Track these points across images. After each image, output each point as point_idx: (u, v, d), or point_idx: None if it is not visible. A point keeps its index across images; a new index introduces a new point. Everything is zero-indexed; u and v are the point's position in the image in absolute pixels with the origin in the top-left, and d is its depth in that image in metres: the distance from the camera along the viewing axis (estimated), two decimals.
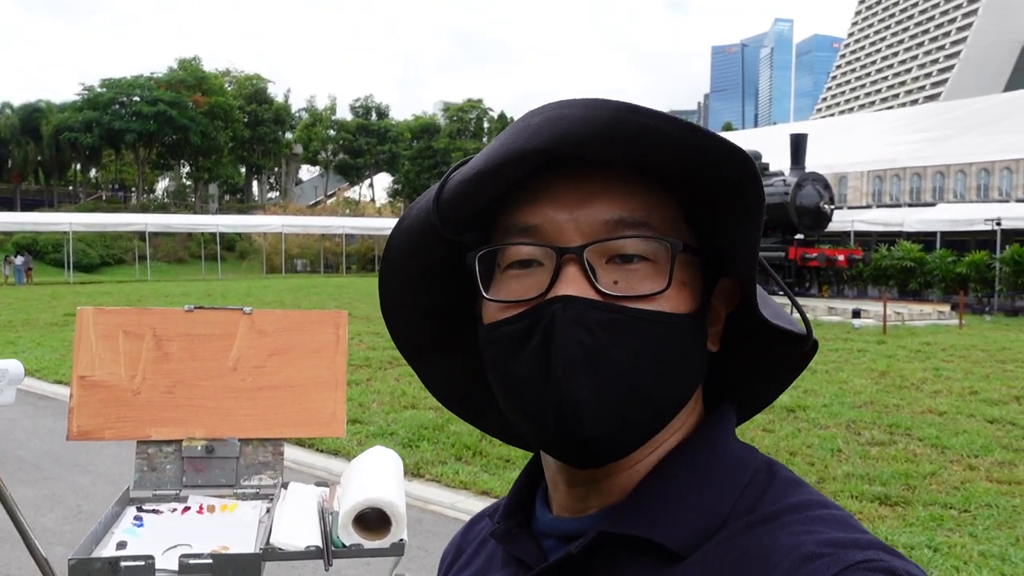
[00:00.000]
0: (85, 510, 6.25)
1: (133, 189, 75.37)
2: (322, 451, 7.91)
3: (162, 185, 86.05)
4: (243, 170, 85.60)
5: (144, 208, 64.15)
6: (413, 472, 7.15)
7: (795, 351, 0.76)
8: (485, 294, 0.72)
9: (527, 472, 0.82)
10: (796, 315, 0.78)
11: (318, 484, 1.68)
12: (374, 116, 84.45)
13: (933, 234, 28.60)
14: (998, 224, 25.86)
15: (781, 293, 0.83)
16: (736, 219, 0.68)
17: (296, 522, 1.57)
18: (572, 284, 0.66)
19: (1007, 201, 32.28)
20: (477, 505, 6.42)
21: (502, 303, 0.71)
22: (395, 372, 11.95)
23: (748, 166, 0.64)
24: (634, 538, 0.67)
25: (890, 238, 29.70)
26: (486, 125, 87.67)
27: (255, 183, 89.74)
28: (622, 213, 0.68)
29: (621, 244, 0.68)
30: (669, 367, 0.68)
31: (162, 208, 69.01)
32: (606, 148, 0.65)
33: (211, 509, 1.63)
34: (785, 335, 0.74)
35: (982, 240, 27.52)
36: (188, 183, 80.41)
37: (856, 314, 20.60)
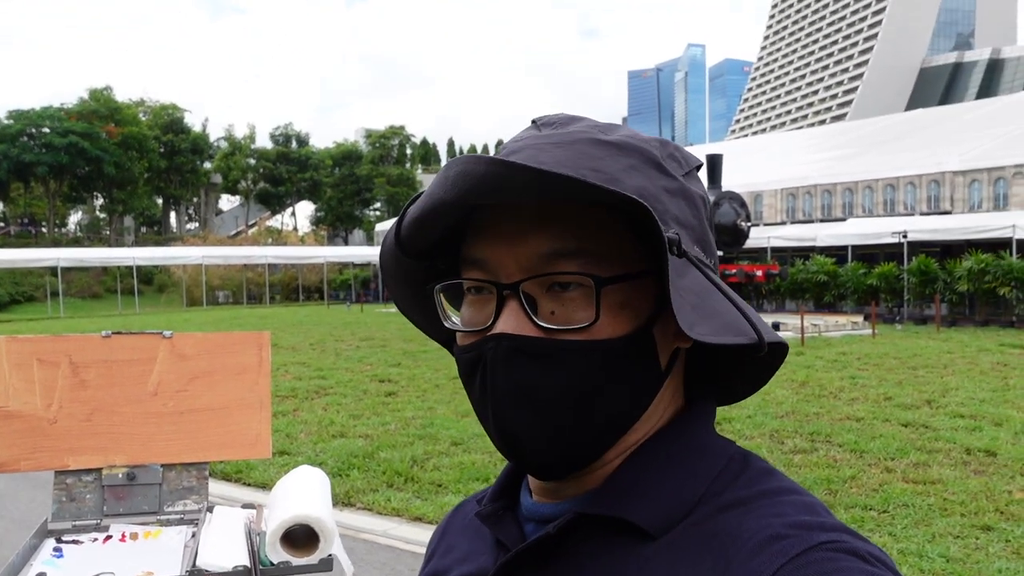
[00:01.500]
0: (0, 557, 5.99)
1: (44, 223, 72.75)
2: (249, 484, 7.74)
3: (75, 218, 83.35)
4: (160, 201, 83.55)
5: (56, 242, 61.98)
6: (344, 501, 7.05)
7: (751, 356, 0.76)
8: (445, 323, 0.78)
9: None
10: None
11: (244, 507, 1.67)
12: (294, 144, 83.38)
13: (845, 248, 29.60)
14: (904, 237, 26.92)
15: None
16: (655, 246, 0.70)
17: (222, 544, 1.55)
18: (510, 319, 0.70)
19: (912, 215, 33.63)
20: (411, 532, 6.36)
21: (460, 331, 0.76)
22: (322, 402, 11.78)
23: (636, 208, 0.65)
24: (609, 518, 0.71)
25: (804, 253, 30.63)
26: (408, 151, 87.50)
27: (173, 214, 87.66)
28: (556, 244, 0.70)
29: (553, 278, 0.70)
30: (607, 392, 0.71)
31: (75, 242, 66.84)
32: (509, 199, 0.69)
33: (134, 536, 1.60)
34: (733, 346, 0.72)
35: (890, 252, 28.59)
36: (102, 216, 78.01)
37: (776, 327, 21.15)
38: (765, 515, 0.66)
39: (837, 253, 29.74)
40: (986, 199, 32.62)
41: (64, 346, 1.62)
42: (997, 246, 25.02)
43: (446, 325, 0.78)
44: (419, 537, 6.22)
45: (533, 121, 0.80)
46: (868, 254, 29.57)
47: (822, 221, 36.04)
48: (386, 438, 9.22)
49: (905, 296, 26.63)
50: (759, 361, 0.79)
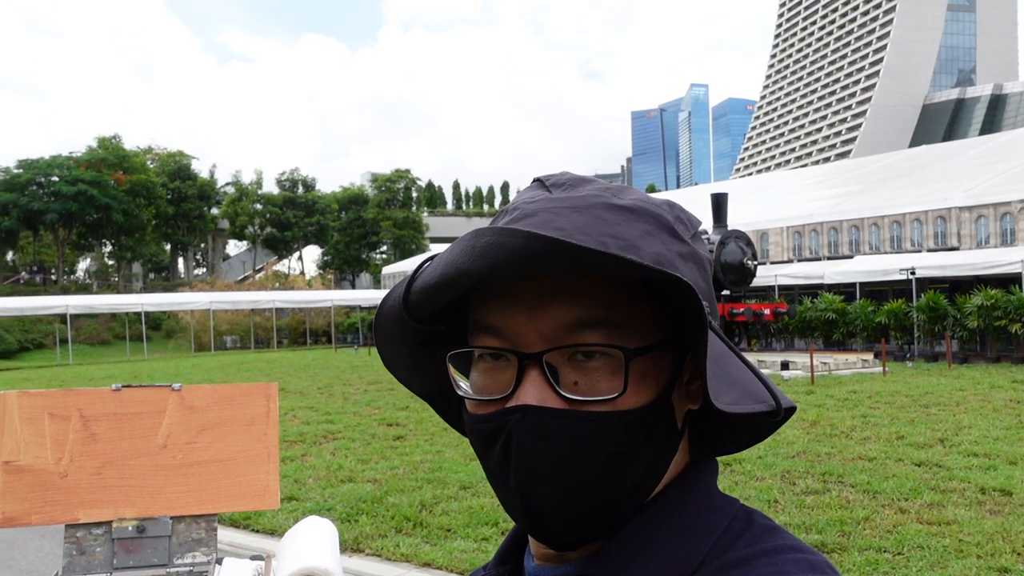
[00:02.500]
0: None
1: (53, 270, 73.24)
2: (258, 531, 7.70)
3: (83, 265, 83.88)
4: (168, 247, 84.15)
5: (65, 290, 62.33)
6: (353, 547, 7.00)
7: (765, 421, 0.77)
8: (458, 391, 0.76)
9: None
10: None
11: (253, 558, 1.67)
12: (301, 189, 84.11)
13: (853, 285, 29.56)
14: (912, 273, 26.88)
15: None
16: (686, 319, 0.70)
17: None
18: (532, 390, 0.69)
19: (919, 251, 33.61)
20: None
21: (474, 400, 0.74)
22: (330, 446, 11.75)
23: (679, 285, 0.65)
24: None
25: (812, 290, 30.58)
26: (414, 194, 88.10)
27: (180, 260, 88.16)
28: (580, 314, 0.69)
29: (578, 349, 0.69)
30: (630, 460, 0.70)
31: (84, 289, 67.17)
32: (541, 272, 0.68)
33: None
34: (751, 417, 0.73)
35: (898, 289, 28.53)
36: (111, 262, 78.52)
37: (785, 366, 21.07)
38: (767, 574, 0.65)
39: (845, 290, 29.69)
40: (993, 234, 32.61)
41: (75, 400, 1.63)
42: (1006, 282, 24.96)
43: (459, 393, 0.76)
44: None
45: (539, 180, 0.79)
46: (876, 291, 29.51)
47: (829, 259, 36.03)
48: (394, 483, 9.18)
49: (915, 333, 26.52)
50: (764, 425, 0.80)
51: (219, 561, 1.65)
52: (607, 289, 0.70)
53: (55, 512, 1.59)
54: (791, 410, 0.75)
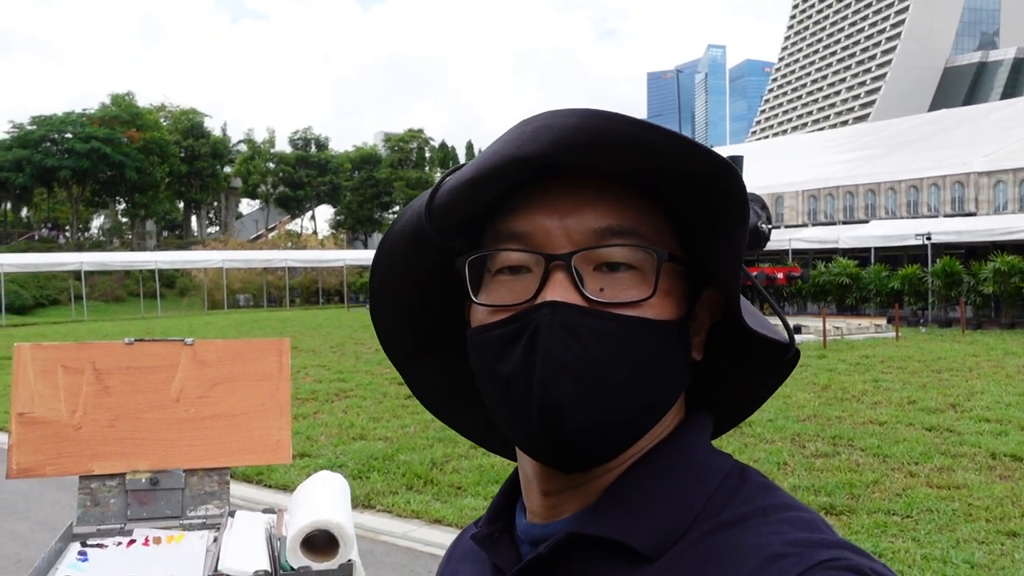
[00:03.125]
0: (25, 557, 6.06)
1: (67, 228, 73.55)
2: (271, 487, 7.79)
3: (97, 223, 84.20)
4: (181, 205, 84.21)
5: (79, 247, 62.63)
6: (364, 503, 7.08)
7: (778, 359, 0.77)
8: (474, 298, 0.73)
9: (511, 479, 0.83)
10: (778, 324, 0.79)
11: (265, 511, 1.68)
12: (313, 148, 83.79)
13: (867, 250, 29.38)
14: (928, 239, 26.68)
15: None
16: (721, 229, 0.69)
17: (244, 549, 1.56)
18: (560, 290, 0.67)
19: (936, 216, 33.33)
20: (429, 534, 6.38)
21: (491, 307, 0.72)
22: (342, 404, 11.84)
23: (732, 177, 0.65)
24: (602, 540, 0.68)
25: (826, 255, 30.42)
26: (428, 154, 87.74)
27: (194, 218, 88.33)
28: (611, 222, 0.69)
29: (609, 252, 0.69)
30: (652, 372, 0.69)
31: (98, 246, 67.43)
32: (594, 157, 0.65)
33: (157, 541, 1.61)
34: (768, 344, 0.75)
35: (914, 255, 28.33)
36: (124, 220, 78.76)
37: (797, 330, 20.90)
38: (763, 533, 0.64)
39: (860, 255, 29.51)
40: (1012, 200, 32.27)
41: (88, 353, 1.64)
42: (1023, 248, 24.73)
43: (474, 301, 0.73)
44: (438, 539, 6.24)
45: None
46: (891, 256, 29.32)
47: (844, 223, 35.80)
48: (406, 441, 9.25)
49: (929, 298, 26.38)
50: (768, 369, 0.79)
51: (231, 514, 1.66)
52: (637, 202, 0.70)
53: (69, 463, 1.61)
54: (797, 353, 0.77)
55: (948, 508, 6.41)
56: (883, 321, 24.28)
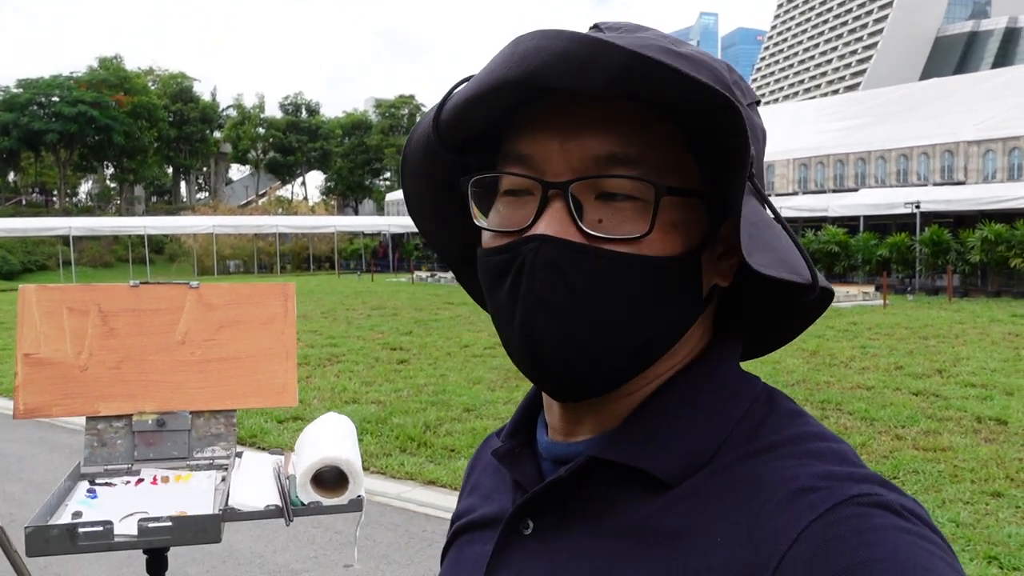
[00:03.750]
0: (19, 517, 6.09)
1: (55, 192, 72.96)
2: (264, 448, 7.83)
3: (85, 188, 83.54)
4: (170, 170, 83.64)
5: (67, 212, 62.18)
6: None
7: (801, 299, 0.71)
8: (476, 221, 0.72)
9: (532, 393, 0.81)
10: None
11: (272, 452, 1.70)
12: (304, 113, 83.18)
13: (856, 218, 29.42)
14: (917, 207, 26.74)
15: None
16: (725, 159, 0.65)
17: (253, 486, 1.58)
18: (553, 222, 0.65)
19: (925, 185, 33.36)
20: (424, 495, 6.43)
21: (492, 232, 0.70)
22: (334, 369, 11.87)
23: (730, 110, 0.60)
24: (623, 465, 0.67)
25: (816, 223, 30.47)
26: (419, 120, 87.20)
27: (183, 184, 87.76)
28: (614, 148, 0.65)
29: (608, 182, 0.65)
30: (647, 309, 0.66)
31: (86, 211, 66.98)
32: (582, 82, 0.61)
33: (165, 480, 1.63)
34: (786, 284, 0.67)
35: (902, 223, 28.40)
36: (113, 185, 78.16)
37: None
38: (792, 464, 0.62)
39: (849, 224, 29.57)
40: (1000, 169, 32.33)
41: (93, 295, 1.64)
42: (1011, 216, 24.82)
43: (477, 224, 0.72)
44: (432, 500, 6.29)
45: (595, 25, 0.72)
46: (880, 224, 29.39)
47: (834, 191, 35.83)
48: (399, 404, 9.30)
49: (917, 267, 26.51)
50: (798, 306, 0.75)
51: (239, 455, 1.67)
52: (647, 127, 0.66)
53: (75, 404, 1.62)
54: (829, 293, 0.72)
55: (934, 470, 6.50)
56: (871, 289, 24.42)
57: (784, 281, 0.65)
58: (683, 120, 0.66)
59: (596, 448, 0.69)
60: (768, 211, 0.69)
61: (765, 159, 0.75)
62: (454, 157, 0.74)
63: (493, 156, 0.73)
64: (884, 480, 0.61)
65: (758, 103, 0.74)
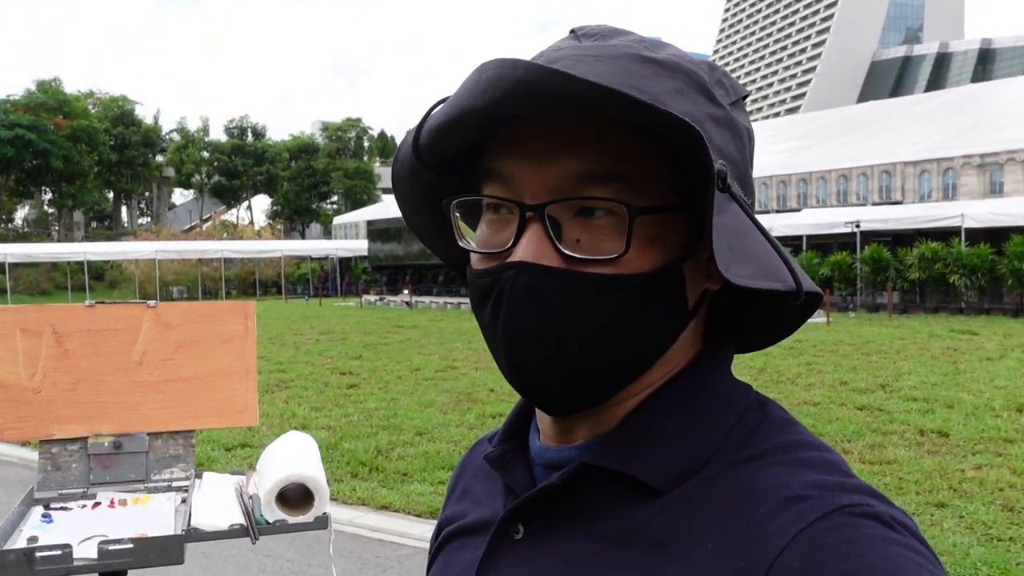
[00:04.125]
0: None
1: None
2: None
3: (22, 213, 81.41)
4: (111, 195, 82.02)
5: (3, 238, 60.52)
6: None
7: (786, 304, 0.70)
8: (460, 242, 0.73)
9: (524, 399, 0.81)
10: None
11: (233, 473, 1.67)
12: (250, 136, 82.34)
13: (800, 238, 30.05)
14: (857, 226, 27.42)
15: None
16: (697, 177, 0.65)
17: (216, 506, 1.55)
18: (531, 246, 0.65)
19: (864, 205, 34.23)
20: (376, 521, 6.36)
21: (477, 253, 0.71)
22: (283, 395, 11.70)
23: (689, 134, 0.60)
24: (615, 472, 0.67)
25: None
26: (366, 143, 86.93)
27: (124, 208, 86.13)
28: (589, 167, 0.65)
29: (583, 202, 0.65)
30: (629, 328, 0.67)
31: (22, 238, 65.31)
32: (543, 110, 0.63)
33: (123, 503, 1.59)
34: (768, 293, 0.67)
35: (843, 242, 29.08)
36: (51, 210, 76.32)
37: None
38: (783, 472, 0.63)
39: (792, 243, 30.18)
40: (936, 189, 33.34)
41: (47, 316, 1.60)
42: (946, 235, 25.59)
43: (461, 245, 0.73)
44: (385, 525, 6.23)
45: (573, 31, 0.72)
46: (823, 244, 30.04)
47: (778, 212, 36.55)
48: (349, 429, 9.20)
49: (858, 284, 27.15)
50: (788, 310, 0.74)
51: (199, 476, 1.65)
52: (621, 144, 0.65)
53: (29, 428, 1.58)
54: (817, 297, 0.71)
55: (880, 482, 6.63)
56: None
57: (762, 289, 0.65)
58: (654, 135, 0.65)
59: (588, 454, 0.69)
60: (747, 217, 0.69)
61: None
62: (437, 176, 0.75)
63: (475, 173, 0.73)
64: (874, 491, 0.62)
65: (744, 98, 0.74)
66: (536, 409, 0.78)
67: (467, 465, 0.90)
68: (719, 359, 0.74)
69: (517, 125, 0.67)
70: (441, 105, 0.70)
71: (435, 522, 0.90)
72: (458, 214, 0.74)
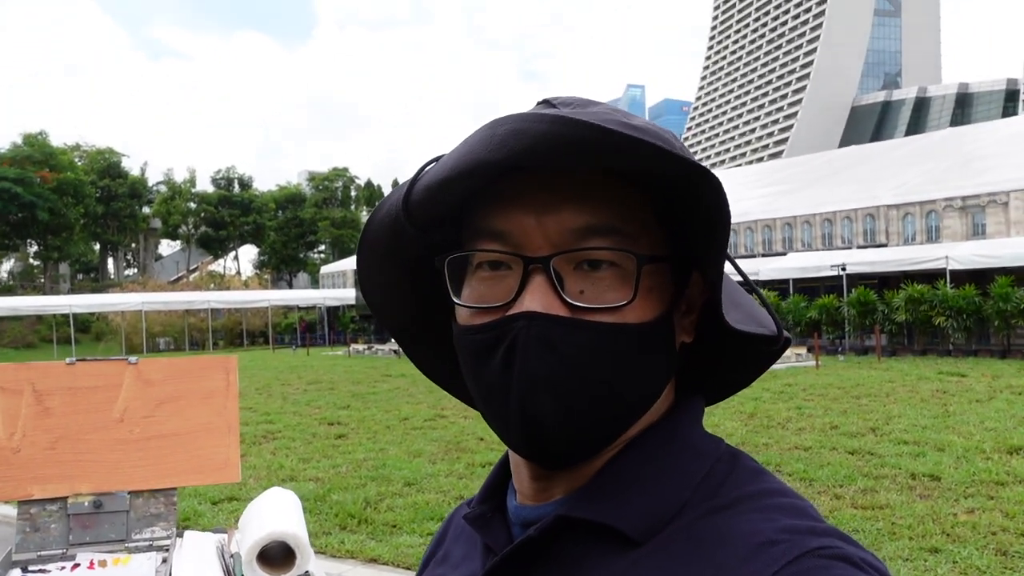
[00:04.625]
0: None
1: None
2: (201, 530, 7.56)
3: (7, 266, 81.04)
4: (97, 247, 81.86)
5: None
6: None
7: (765, 349, 0.76)
8: (455, 299, 0.73)
9: (504, 458, 0.82)
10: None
11: (215, 531, 1.64)
12: (237, 187, 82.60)
13: (786, 281, 30.21)
14: (843, 269, 27.59)
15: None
16: (704, 230, 0.67)
17: (197, 567, 1.52)
18: (538, 297, 0.66)
19: (849, 247, 34.49)
20: (365, 573, 6.26)
21: (472, 309, 0.71)
22: (270, 446, 11.57)
23: (709, 184, 0.63)
24: (592, 523, 0.68)
25: (747, 286, 31.11)
26: (353, 192, 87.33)
27: (111, 260, 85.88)
28: (590, 220, 0.67)
29: (588, 253, 0.67)
30: (633, 376, 0.68)
31: (7, 290, 64.95)
32: (566, 162, 0.64)
33: (103, 564, 1.56)
34: (753, 337, 0.73)
35: (830, 285, 29.23)
36: (36, 263, 76.00)
37: None
38: (754, 519, 0.64)
39: (779, 287, 30.33)
40: (919, 231, 33.65)
41: (27, 374, 1.58)
42: (932, 277, 25.77)
43: (456, 301, 0.73)
44: None
45: (546, 100, 0.74)
46: (809, 287, 30.20)
47: (763, 256, 36.78)
48: (337, 481, 9.09)
49: (846, 327, 27.23)
50: (755, 357, 0.79)
51: (180, 535, 1.61)
52: (617, 197, 0.68)
53: (7, 488, 1.54)
54: (788, 341, 0.76)
55: (873, 528, 6.58)
56: (803, 350, 24.93)
57: (753, 335, 0.68)
58: (652, 188, 0.69)
59: (563, 507, 0.70)
60: (728, 265, 0.72)
61: None
62: (419, 234, 0.75)
63: (457, 231, 0.74)
64: (844, 534, 0.63)
65: None
66: (513, 469, 0.78)
67: (446, 531, 0.90)
68: (690, 410, 0.75)
69: (512, 180, 0.68)
70: (437, 163, 0.71)
71: None
72: (448, 272, 0.73)
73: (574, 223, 0.67)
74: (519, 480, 0.76)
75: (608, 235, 0.67)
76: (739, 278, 0.83)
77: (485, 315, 0.70)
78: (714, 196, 0.64)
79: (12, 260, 79.55)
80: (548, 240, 0.67)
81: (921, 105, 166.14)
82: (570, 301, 0.67)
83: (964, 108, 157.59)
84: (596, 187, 0.68)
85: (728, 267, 0.74)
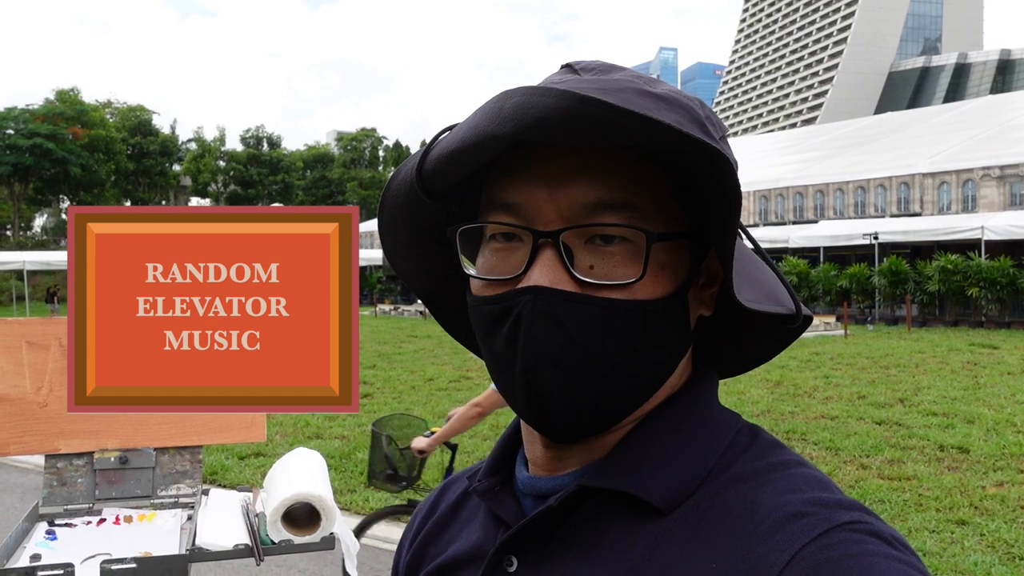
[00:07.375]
0: None
1: (8, 226, 71.69)
2: (224, 486, 7.66)
3: (40, 221, 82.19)
4: (128, 203, 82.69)
5: (21, 245, 61.08)
6: None
7: (783, 327, 0.75)
8: (467, 270, 0.73)
9: (510, 430, 0.81)
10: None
11: (241, 489, 1.64)
12: (265, 146, 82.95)
13: (817, 249, 29.90)
14: (875, 238, 27.24)
15: None
16: (715, 207, 0.66)
17: (221, 525, 1.52)
18: (546, 271, 0.65)
19: (883, 216, 34.04)
20: (388, 531, 6.33)
21: (483, 280, 0.71)
22: None
23: (720, 161, 0.62)
24: (614, 492, 0.67)
25: (777, 254, 30.88)
26: (381, 153, 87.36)
27: None
28: (602, 195, 0.66)
29: (599, 229, 0.66)
30: (641, 353, 0.67)
31: (41, 245, 65.90)
32: (573, 138, 0.63)
33: (128, 519, 1.56)
34: (769, 316, 0.72)
35: (861, 254, 28.91)
36: None
37: None
38: (780, 489, 0.64)
39: (809, 255, 30.03)
40: (955, 201, 33.12)
41: (54, 328, 1.58)
42: (966, 247, 25.38)
43: (467, 272, 0.73)
44: (398, 536, 6.18)
45: (568, 65, 0.73)
46: (840, 256, 29.88)
47: (794, 223, 36.41)
48: (363, 439, 9.18)
49: (876, 297, 26.94)
50: (775, 334, 0.77)
51: (205, 492, 1.62)
52: (632, 171, 0.67)
53: (34, 442, 1.55)
54: (808, 319, 0.74)
55: (899, 499, 6.55)
56: (832, 319, 24.74)
57: (767, 313, 0.68)
58: (666, 163, 0.67)
59: (585, 477, 0.69)
60: (748, 242, 0.73)
61: None
62: (435, 203, 0.74)
63: (474, 201, 0.74)
64: (868, 508, 0.63)
65: (727, 136, 0.75)
66: (524, 441, 0.78)
67: (438, 503, 0.89)
68: (708, 383, 0.75)
69: (525, 153, 0.68)
70: (449, 133, 0.70)
71: None
72: (460, 242, 0.73)
73: (586, 197, 0.66)
74: (532, 451, 0.76)
75: (621, 210, 0.66)
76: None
77: (495, 287, 0.70)
78: (722, 175, 0.63)
79: (45, 215, 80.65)
80: (559, 214, 0.67)
81: (961, 72, 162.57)
82: (579, 276, 0.66)
83: (1005, 75, 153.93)
84: (610, 161, 0.66)
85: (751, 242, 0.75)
